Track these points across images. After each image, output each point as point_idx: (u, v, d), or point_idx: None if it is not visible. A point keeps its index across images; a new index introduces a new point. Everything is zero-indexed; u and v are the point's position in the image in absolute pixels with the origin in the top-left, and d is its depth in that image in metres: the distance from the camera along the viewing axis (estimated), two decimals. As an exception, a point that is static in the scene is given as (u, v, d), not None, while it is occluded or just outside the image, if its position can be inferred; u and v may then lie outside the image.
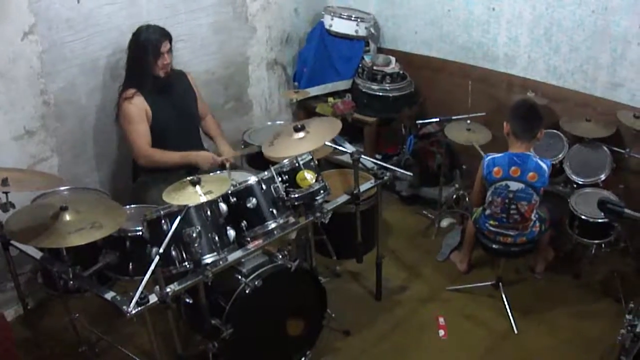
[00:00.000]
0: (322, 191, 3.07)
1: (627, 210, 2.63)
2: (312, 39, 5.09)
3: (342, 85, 5.10)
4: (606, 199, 2.73)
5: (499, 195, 3.50)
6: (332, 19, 4.97)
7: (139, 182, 3.81)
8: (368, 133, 4.94)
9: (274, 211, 2.98)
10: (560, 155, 4.05)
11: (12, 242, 2.97)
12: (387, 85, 4.87)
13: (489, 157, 3.53)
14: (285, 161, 3.07)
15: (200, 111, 4.03)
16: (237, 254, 2.91)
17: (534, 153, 3.52)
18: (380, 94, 4.87)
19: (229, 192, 2.91)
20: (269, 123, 4.68)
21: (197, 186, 2.71)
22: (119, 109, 3.66)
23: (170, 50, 3.66)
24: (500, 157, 3.49)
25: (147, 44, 3.57)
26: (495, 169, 3.48)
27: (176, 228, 2.66)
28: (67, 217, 2.67)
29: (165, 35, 3.63)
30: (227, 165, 3.67)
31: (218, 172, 3.65)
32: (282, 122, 4.78)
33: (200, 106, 4.04)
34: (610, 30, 3.95)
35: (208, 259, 2.76)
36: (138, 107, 3.61)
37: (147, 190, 3.70)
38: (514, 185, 3.45)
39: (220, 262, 2.80)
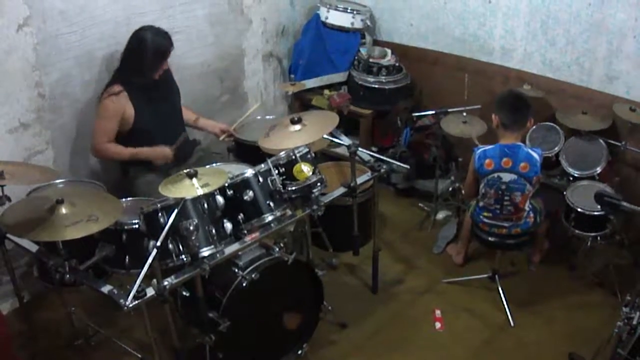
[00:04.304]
0: (318, 184, 3.06)
1: (624, 203, 2.64)
2: (308, 31, 5.08)
3: (338, 77, 5.08)
4: (603, 191, 2.74)
5: (492, 187, 3.50)
6: (327, 11, 4.96)
7: (129, 176, 3.80)
8: (364, 125, 4.94)
9: (271, 204, 2.97)
10: (556, 148, 4.06)
11: (8, 235, 2.95)
12: (383, 77, 4.86)
13: (480, 150, 3.53)
14: (282, 154, 3.06)
15: None
16: (234, 247, 2.90)
17: (529, 144, 3.53)
18: (376, 86, 4.86)
19: (226, 184, 2.90)
20: (259, 117, 4.67)
21: (194, 179, 2.70)
22: (100, 100, 3.63)
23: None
24: (491, 148, 3.49)
25: (157, 49, 3.55)
26: (487, 161, 3.48)
27: (173, 221, 2.65)
28: (63, 210, 2.66)
29: (172, 42, 3.63)
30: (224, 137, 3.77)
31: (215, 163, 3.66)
32: (272, 116, 4.75)
33: None
34: (606, 23, 3.95)
35: (205, 252, 2.76)
36: (117, 105, 3.57)
37: (136, 182, 3.72)
38: (506, 177, 3.45)
39: (217, 255, 2.79)
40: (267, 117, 4.64)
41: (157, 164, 3.70)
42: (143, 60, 3.56)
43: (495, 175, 3.47)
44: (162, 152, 3.71)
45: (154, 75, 3.62)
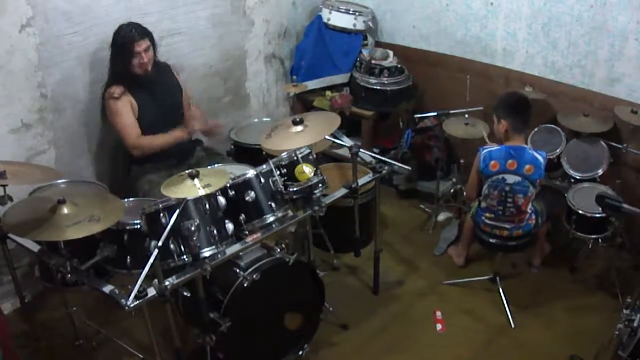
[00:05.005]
0: (320, 185, 3.07)
1: (625, 205, 2.64)
2: (310, 33, 5.07)
3: (340, 79, 5.09)
4: (604, 193, 2.74)
5: (496, 189, 3.50)
6: (330, 13, 4.96)
7: (131, 175, 3.81)
8: (366, 127, 4.93)
9: (273, 205, 2.97)
10: (557, 150, 4.06)
11: (10, 235, 2.97)
12: (385, 79, 4.86)
13: (485, 150, 3.53)
14: (284, 154, 3.07)
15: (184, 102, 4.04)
16: (236, 247, 2.90)
17: (531, 146, 3.54)
18: (378, 87, 4.86)
19: (228, 185, 2.91)
20: (256, 120, 4.68)
21: (196, 179, 2.71)
22: (105, 105, 3.66)
23: (149, 49, 3.62)
24: (497, 150, 3.49)
25: (122, 44, 3.56)
26: (492, 162, 3.48)
27: (174, 221, 2.66)
28: (65, 210, 2.67)
29: (142, 34, 3.58)
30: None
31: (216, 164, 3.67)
32: (268, 119, 4.77)
33: (185, 97, 4.04)
34: (608, 26, 3.95)
35: (206, 252, 2.76)
36: (124, 101, 3.61)
37: (137, 181, 3.73)
38: (511, 179, 3.46)
39: (219, 256, 2.80)
40: (265, 119, 4.66)
41: (198, 133, 3.85)
42: (118, 56, 3.60)
43: (500, 176, 3.47)
44: (195, 122, 3.82)
45: (135, 70, 3.61)
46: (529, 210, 3.58)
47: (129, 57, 3.56)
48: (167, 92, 3.85)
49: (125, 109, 3.61)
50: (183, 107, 3.98)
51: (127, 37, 3.54)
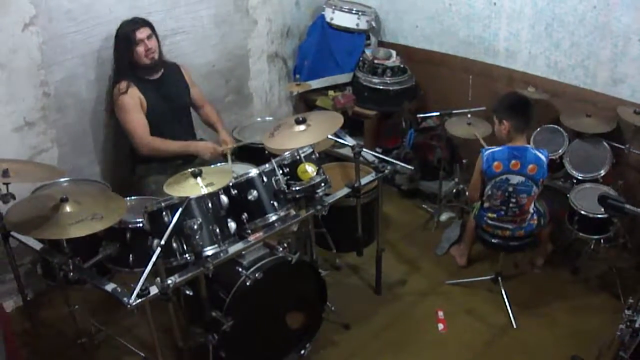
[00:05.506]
0: (323, 184, 3.07)
1: (627, 206, 2.63)
2: (313, 32, 5.08)
3: (343, 78, 5.09)
4: (607, 194, 2.74)
5: (499, 189, 3.50)
6: (333, 12, 4.96)
7: (137, 174, 3.82)
8: (368, 126, 4.93)
9: (275, 204, 2.97)
10: (560, 151, 4.05)
11: (12, 233, 2.97)
12: (388, 78, 4.86)
13: (488, 151, 3.52)
14: (287, 154, 3.07)
15: (196, 101, 4.06)
16: (238, 246, 2.90)
17: (533, 146, 3.54)
18: (381, 87, 4.87)
19: (230, 184, 2.91)
20: (259, 119, 4.68)
21: (199, 178, 2.71)
22: (114, 102, 3.69)
23: (151, 37, 3.66)
24: (500, 150, 3.49)
25: (122, 36, 3.63)
26: (496, 163, 3.47)
27: (177, 220, 2.66)
28: (68, 209, 2.67)
29: (140, 23, 3.64)
30: (229, 155, 3.67)
31: (220, 163, 3.66)
32: (271, 118, 4.77)
33: (198, 96, 4.06)
34: (611, 26, 3.94)
35: (209, 251, 2.76)
36: (133, 98, 3.63)
37: (144, 180, 3.73)
38: (515, 179, 3.45)
39: (221, 255, 2.80)
40: (267, 118, 4.66)
41: (205, 158, 3.76)
42: (121, 50, 3.66)
43: (504, 177, 3.46)
44: (207, 147, 3.78)
45: (141, 59, 3.64)
46: (532, 211, 3.58)
47: (132, 46, 3.60)
48: (175, 92, 3.86)
49: (135, 105, 3.63)
50: (190, 108, 3.99)
51: (128, 27, 3.61)
